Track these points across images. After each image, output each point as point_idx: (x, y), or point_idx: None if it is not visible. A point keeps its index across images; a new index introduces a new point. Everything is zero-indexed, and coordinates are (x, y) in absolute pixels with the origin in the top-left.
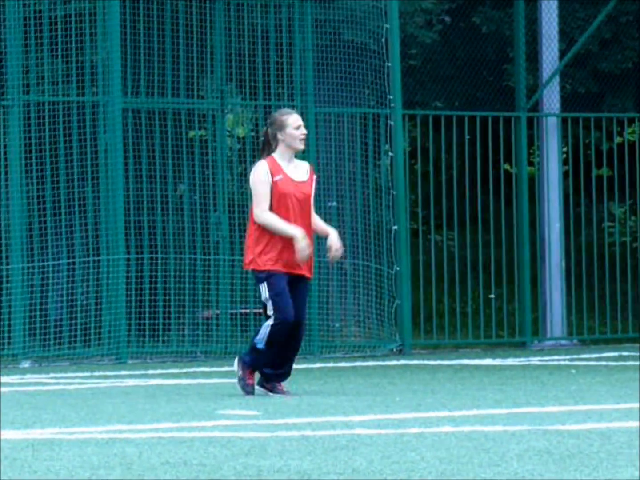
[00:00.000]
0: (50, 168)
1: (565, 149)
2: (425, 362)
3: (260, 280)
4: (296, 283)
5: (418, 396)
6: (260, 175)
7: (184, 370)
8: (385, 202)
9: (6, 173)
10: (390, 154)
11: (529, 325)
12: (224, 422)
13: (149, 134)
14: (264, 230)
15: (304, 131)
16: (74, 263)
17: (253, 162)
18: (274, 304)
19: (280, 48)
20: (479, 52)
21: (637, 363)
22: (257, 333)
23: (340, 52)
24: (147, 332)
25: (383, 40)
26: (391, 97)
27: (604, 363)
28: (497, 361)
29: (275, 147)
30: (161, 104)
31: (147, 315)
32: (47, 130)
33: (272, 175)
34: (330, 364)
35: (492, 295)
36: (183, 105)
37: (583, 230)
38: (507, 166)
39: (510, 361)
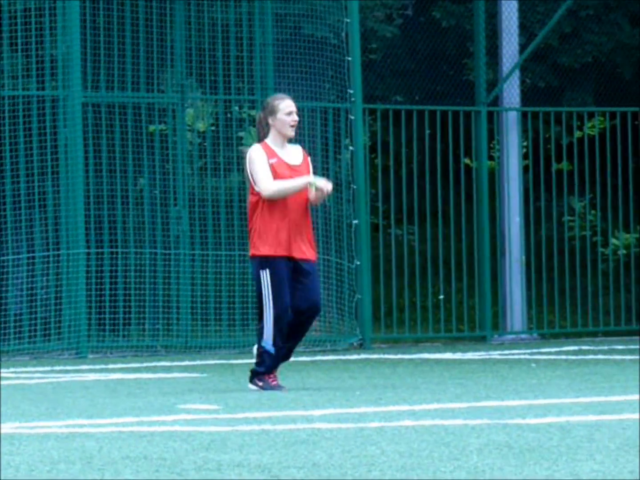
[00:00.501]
0: (10, 162)
1: (525, 143)
2: (386, 356)
3: (261, 267)
4: (300, 269)
5: (378, 390)
6: (257, 154)
7: (145, 364)
8: (346, 197)
9: None
10: (350, 148)
11: (489, 320)
12: (184, 416)
13: (109, 128)
14: (263, 216)
15: (295, 118)
16: (33, 257)
17: (213, 157)
18: (272, 294)
19: (240, 42)
20: (439, 46)
21: (597, 357)
22: (260, 335)
23: (300, 46)
24: (107, 327)
25: (343, 34)
26: (351, 91)
27: (563, 357)
28: (458, 355)
29: (268, 132)
30: (121, 98)
31: (107, 309)
32: (7, 124)
33: (268, 158)
34: (291, 358)
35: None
36: (143, 99)
37: (543, 225)
38: (467, 160)
39: (470, 355)
